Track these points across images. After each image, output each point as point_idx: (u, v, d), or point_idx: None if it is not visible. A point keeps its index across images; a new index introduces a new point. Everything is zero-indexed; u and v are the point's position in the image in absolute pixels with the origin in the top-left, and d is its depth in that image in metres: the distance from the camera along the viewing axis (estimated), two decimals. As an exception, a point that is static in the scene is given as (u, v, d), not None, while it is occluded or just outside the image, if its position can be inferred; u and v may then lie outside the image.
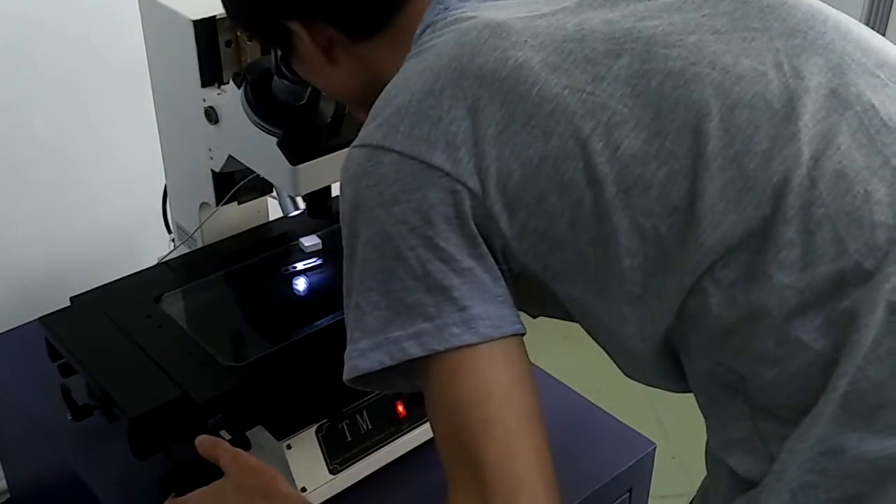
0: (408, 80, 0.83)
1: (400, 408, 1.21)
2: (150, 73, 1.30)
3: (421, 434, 1.23)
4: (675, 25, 0.81)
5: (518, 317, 0.83)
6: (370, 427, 1.18)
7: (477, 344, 0.80)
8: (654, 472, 1.34)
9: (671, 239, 0.77)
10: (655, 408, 2.07)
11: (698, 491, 0.91)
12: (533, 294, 0.87)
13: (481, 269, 0.81)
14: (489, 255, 0.82)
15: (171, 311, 1.21)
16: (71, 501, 1.30)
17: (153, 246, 1.41)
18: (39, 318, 1.17)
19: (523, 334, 0.84)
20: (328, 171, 1.14)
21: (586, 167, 0.78)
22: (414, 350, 0.80)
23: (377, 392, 1.18)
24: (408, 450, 1.23)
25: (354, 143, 0.84)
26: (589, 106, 0.78)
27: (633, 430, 1.33)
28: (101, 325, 1.16)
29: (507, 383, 0.81)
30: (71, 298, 1.21)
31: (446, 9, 0.88)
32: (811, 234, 0.74)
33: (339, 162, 1.10)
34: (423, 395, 0.85)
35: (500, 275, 0.82)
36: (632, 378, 0.94)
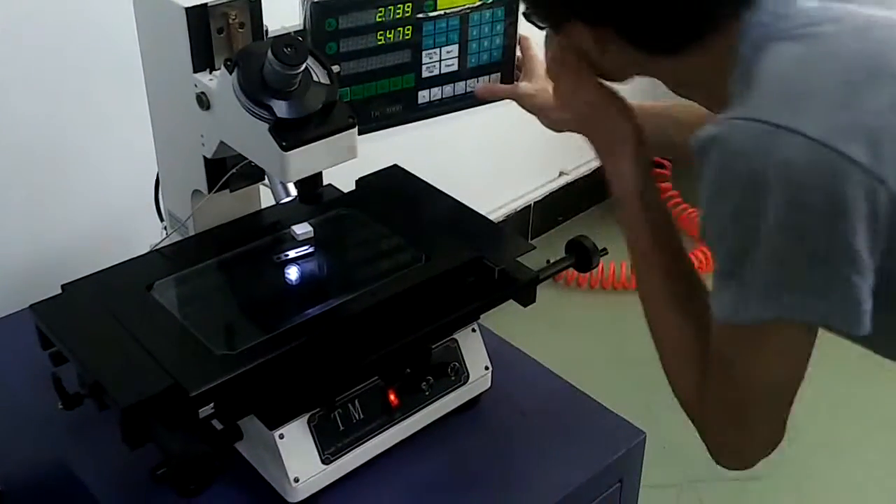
0: (807, 65, 0.84)
1: (392, 397, 1.21)
2: (142, 60, 1.29)
3: (413, 423, 1.23)
4: None
5: None
6: (362, 416, 1.18)
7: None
8: (644, 462, 1.34)
9: None
10: (646, 396, 2.08)
11: None
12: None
13: (872, 266, 0.83)
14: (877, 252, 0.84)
15: (163, 298, 1.21)
16: (61, 491, 1.29)
17: (145, 233, 1.40)
18: (30, 306, 1.17)
19: None
20: (319, 158, 1.13)
21: None
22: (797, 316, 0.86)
23: (369, 381, 1.19)
24: (400, 439, 1.23)
25: (743, 115, 0.85)
26: None
27: (623, 418, 1.33)
28: (92, 313, 1.16)
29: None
30: (62, 286, 1.21)
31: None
32: None
33: (331, 148, 1.12)
34: (741, 349, 0.92)
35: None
36: None
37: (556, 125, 1.35)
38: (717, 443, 1.02)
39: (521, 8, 1.06)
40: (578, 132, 1.15)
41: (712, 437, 1.02)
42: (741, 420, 0.98)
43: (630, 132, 1.07)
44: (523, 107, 1.36)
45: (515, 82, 1.40)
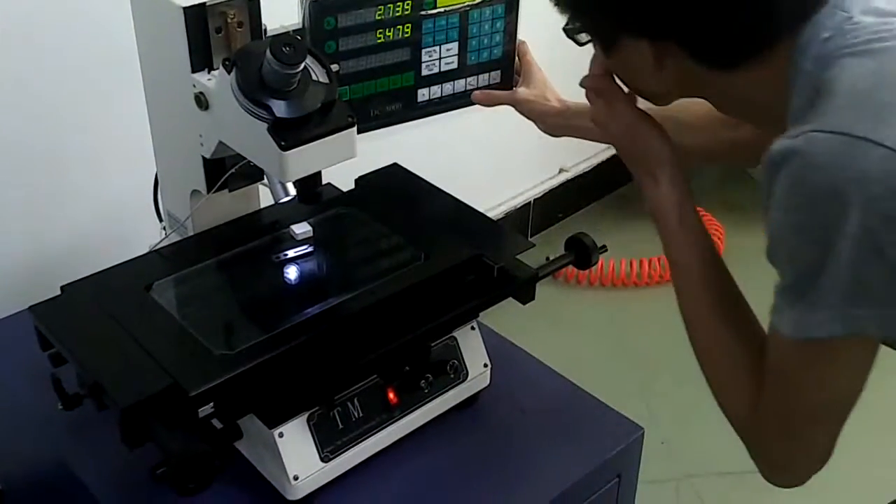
0: (882, 79, 0.85)
1: (391, 395, 1.21)
2: (140, 60, 1.29)
3: (412, 421, 1.24)
4: None
5: None
6: (361, 414, 1.19)
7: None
8: (642, 457, 1.34)
9: None
10: (643, 392, 2.08)
11: None
12: None
13: None
14: None
15: (163, 299, 1.21)
16: (61, 490, 1.30)
17: (144, 234, 1.40)
18: (29, 307, 1.17)
19: None
20: (318, 157, 1.13)
21: None
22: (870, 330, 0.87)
23: (368, 380, 1.19)
24: (399, 437, 1.23)
25: (820, 128, 0.84)
26: None
27: (621, 414, 1.34)
28: (91, 314, 1.16)
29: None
30: (61, 287, 1.21)
31: (851, 18, 0.90)
32: None
33: (330, 148, 1.12)
34: (805, 365, 0.92)
35: None
36: None
37: (553, 131, 1.35)
38: (770, 459, 1.01)
39: (564, 24, 1.05)
40: (612, 146, 1.15)
41: (765, 454, 1.01)
42: (798, 436, 0.97)
43: (667, 154, 1.08)
44: (521, 112, 1.37)
45: (514, 88, 1.40)
